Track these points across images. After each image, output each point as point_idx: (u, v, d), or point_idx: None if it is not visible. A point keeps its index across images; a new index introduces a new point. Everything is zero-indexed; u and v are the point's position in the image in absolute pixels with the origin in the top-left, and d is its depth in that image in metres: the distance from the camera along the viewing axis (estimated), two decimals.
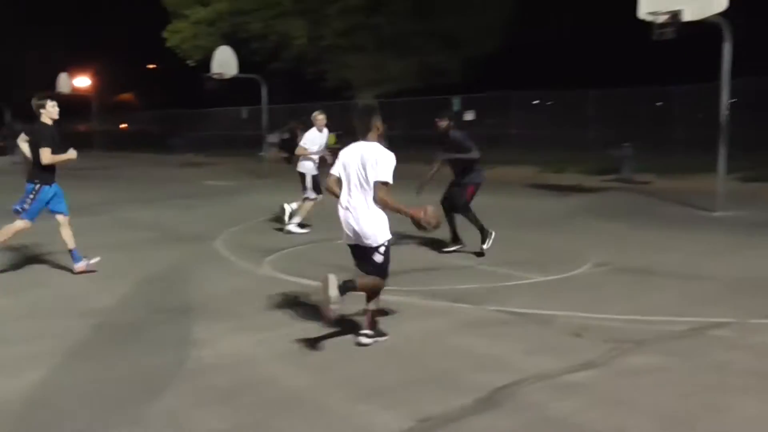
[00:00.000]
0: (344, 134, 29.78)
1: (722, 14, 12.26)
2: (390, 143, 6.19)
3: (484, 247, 8.96)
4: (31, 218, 7.88)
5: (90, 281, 7.82)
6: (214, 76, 22.47)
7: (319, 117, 11.27)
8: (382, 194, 5.24)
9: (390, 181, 5.26)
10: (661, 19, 12.21)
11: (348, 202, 5.37)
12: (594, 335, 5.63)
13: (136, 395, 4.52)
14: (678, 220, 12.09)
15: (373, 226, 5.31)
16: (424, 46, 31.44)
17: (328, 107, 34.16)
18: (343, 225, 5.42)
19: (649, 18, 12.43)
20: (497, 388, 4.51)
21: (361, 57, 30.72)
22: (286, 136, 29.70)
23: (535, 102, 29.85)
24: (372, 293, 5.51)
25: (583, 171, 20.59)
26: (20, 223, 7.86)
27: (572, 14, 31.12)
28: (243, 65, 23.56)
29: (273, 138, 28.44)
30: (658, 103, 27.11)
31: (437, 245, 9.42)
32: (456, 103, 27.29)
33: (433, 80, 33.08)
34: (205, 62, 25.22)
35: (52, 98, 7.97)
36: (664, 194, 15.68)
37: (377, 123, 5.43)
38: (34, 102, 7.87)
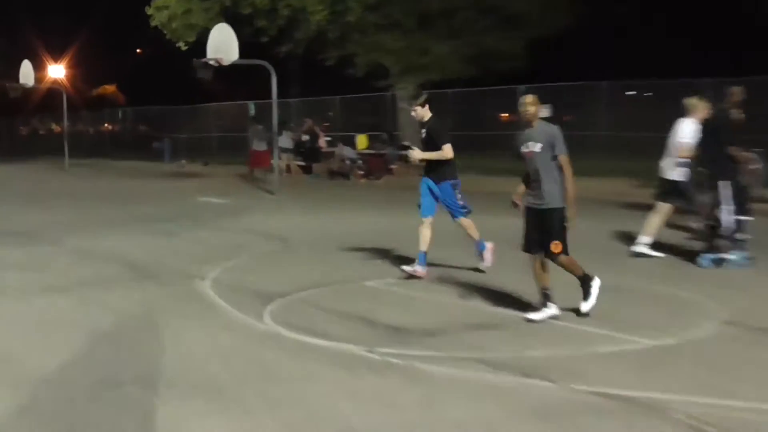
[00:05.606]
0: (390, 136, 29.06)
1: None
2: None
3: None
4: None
5: (27, 334, 7.34)
6: (210, 63, 21.83)
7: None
8: None
9: None
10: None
11: None
12: None
13: None
14: None
15: None
16: (477, 23, 30.72)
17: (358, 100, 33.81)
18: None
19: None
20: None
21: (399, 37, 30.12)
22: (305, 138, 29.13)
23: (629, 93, 28.93)
24: None
25: None
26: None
27: None
28: (246, 48, 23.07)
29: (285, 141, 27.56)
30: None
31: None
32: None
33: (491, 67, 32.30)
34: (200, 45, 24.84)
35: None
36: None
37: None
38: None
